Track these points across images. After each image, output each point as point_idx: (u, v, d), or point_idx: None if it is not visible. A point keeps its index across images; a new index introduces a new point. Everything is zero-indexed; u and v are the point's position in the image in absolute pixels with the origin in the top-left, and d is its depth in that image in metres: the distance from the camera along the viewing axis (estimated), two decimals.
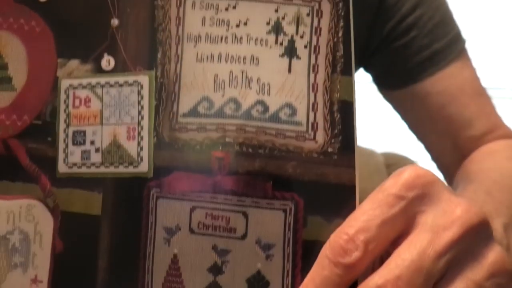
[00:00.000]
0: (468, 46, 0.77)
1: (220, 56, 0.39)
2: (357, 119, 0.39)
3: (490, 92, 0.77)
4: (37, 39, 0.40)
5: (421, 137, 0.79)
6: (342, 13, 0.40)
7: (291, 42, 0.39)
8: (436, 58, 0.74)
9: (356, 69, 0.79)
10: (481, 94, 0.75)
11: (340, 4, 0.40)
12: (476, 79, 0.76)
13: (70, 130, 0.39)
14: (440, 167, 0.78)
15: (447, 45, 0.74)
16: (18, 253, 0.39)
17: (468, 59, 0.76)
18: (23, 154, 0.39)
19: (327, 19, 0.39)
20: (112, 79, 0.39)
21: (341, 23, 0.40)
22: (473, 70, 0.76)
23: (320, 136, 0.38)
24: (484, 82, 0.77)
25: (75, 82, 0.39)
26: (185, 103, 0.39)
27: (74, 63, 0.40)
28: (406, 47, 0.74)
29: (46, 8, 0.40)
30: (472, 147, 0.73)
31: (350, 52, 0.39)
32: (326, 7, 0.39)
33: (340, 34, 0.39)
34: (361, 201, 0.37)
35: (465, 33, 0.78)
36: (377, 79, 0.79)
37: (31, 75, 0.40)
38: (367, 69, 0.79)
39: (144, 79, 0.39)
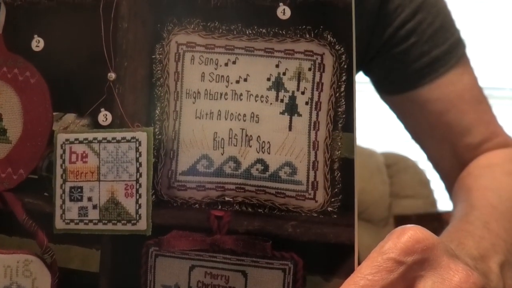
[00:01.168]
0: (468, 47, 0.76)
1: (219, 113, 0.38)
2: (357, 131, 0.38)
3: (490, 92, 0.76)
4: (32, 91, 0.39)
5: (420, 142, 0.78)
6: (345, 66, 0.39)
7: (292, 98, 0.38)
8: (436, 64, 0.72)
9: (356, 72, 0.77)
10: (481, 102, 0.74)
11: (343, 57, 0.39)
12: (476, 86, 0.74)
13: (67, 186, 0.39)
14: (439, 173, 0.77)
15: (447, 51, 0.73)
16: None
17: (468, 65, 0.75)
18: (19, 208, 0.39)
19: (330, 73, 0.39)
20: (109, 135, 0.38)
21: (344, 77, 0.39)
22: (473, 76, 0.75)
23: (320, 196, 0.38)
24: (484, 82, 0.76)
25: (72, 136, 0.39)
26: (184, 161, 0.38)
27: (70, 117, 0.39)
28: (405, 53, 0.73)
29: (41, 58, 0.39)
30: (471, 154, 0.72)
31: (353, 106, 0.38)
32: (329, 60, 0.38)
33: (343, 88, 0.39)
34: (359, 202, 0.36)
35: (464, 33, 0.76)
36: (377, 83, 0.78)
37: (26, 128, 0.39)
38: (366, 73, 0.78)
39: (142, 135, 0.38)
